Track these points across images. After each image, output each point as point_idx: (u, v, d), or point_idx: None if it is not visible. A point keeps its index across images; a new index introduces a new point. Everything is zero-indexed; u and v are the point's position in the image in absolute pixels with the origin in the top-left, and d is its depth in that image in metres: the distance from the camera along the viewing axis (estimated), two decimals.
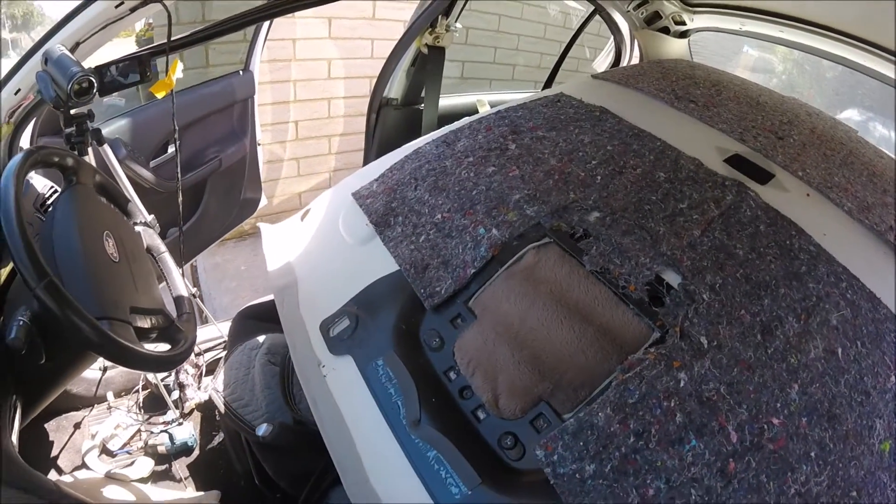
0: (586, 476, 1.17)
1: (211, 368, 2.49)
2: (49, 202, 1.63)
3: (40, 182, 1.65)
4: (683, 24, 3.44)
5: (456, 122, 2.22)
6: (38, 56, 1.62)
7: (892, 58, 2.55)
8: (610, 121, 2.10)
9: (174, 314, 1.51)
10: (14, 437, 1.20)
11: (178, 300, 1.59)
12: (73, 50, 1.69)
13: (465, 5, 2.69)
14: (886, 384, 1.34)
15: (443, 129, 2.21)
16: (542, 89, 3.80)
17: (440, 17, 2.67)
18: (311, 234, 1.95)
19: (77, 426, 2.21)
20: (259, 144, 3.36)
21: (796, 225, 1.67)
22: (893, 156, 2.38)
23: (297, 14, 3.75)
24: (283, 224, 2.09)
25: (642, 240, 1.58)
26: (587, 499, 1.15)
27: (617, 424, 1.23)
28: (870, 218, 1.73)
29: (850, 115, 4.69)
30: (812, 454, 1.20)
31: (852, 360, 1.35)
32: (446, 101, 3.24)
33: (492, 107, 2.50)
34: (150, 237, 1.68)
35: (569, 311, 1.45)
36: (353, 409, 1.41)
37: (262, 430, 1.80)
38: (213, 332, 2.64)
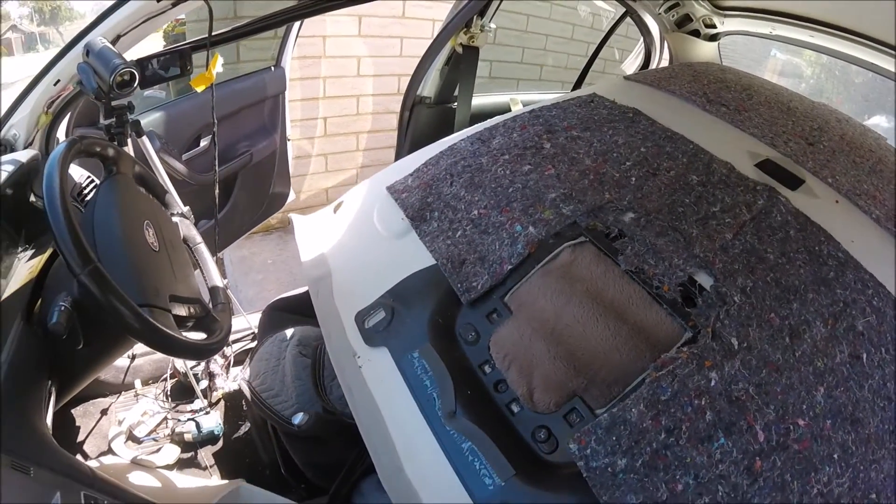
0: (618, 470, 1.19)
1: (240, 359, 2.52)
2: (86, 191, 1.67)
3: (76, 172, 1.69)
4: (714, 27, 3.42)
5: (489, 120, 2.23)
6: (79, 47, 1.65)
7: None
8: (643, 122, 2.11)
9: (209, 304, 1.54)
10: (48, 421, 1.22)
11: (213, 290, 1.62)
12: (114, 42, 1.72)
13: (499, 5, 2.69)
14: None
15: (477, 126, 2.22)
16: (572, 90, 3.80)
17: (475, 17, 2.67)
18: (345, 227, 1.97)
19: (104, 412, 2.25)
20: (289, 140, 3.40)
21: (825, 231, 1.69)
22: None
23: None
24: (315, 215, 2.11)
25: (676, 241, 1.60)
26: (618, 492, 1.16)
27: (649, 421, 1.25)
28: None
29: (878, 122, 4.63)
30: (835, 456, 1.22)
31: (876, 366, 1.37)
32: (477, 101, 3.25)
33: (524, 106, 2.49)
34: (187, 227, 1.71)
35: (604, 309, 1.48)
36: (388, 400, 1.43)
37: (299, 418, 1.83)
38: (241, 324, 2.67)
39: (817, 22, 2.92)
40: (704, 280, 1.51)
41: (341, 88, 4.33)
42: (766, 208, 1.74)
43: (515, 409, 1.37)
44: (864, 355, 1.38)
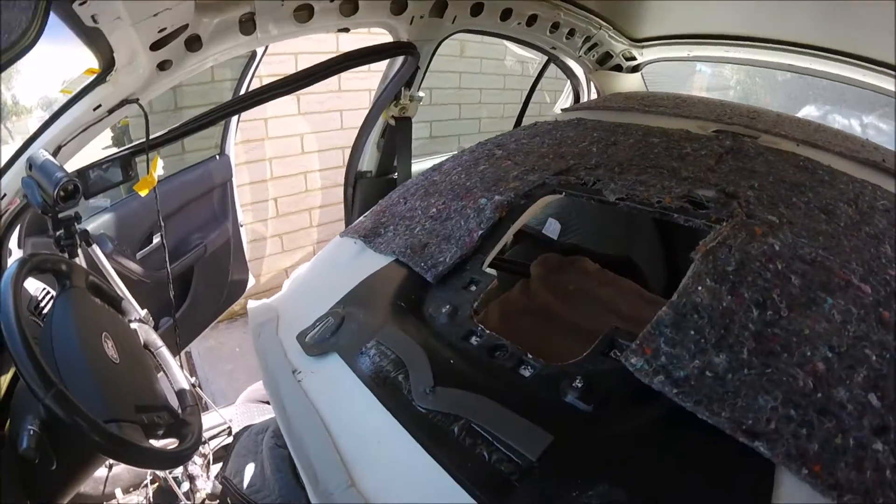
0: (720, 370, 0.92)
1: (219, 456, 2.45)
2: (42, 304, 1.64)
3: (32, 284, 1.66)
4: (634, 59, 3.61)
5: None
6: (22, 161, 1.66)
7: (837, 57, 2.76)
8: (589, 123, 2.12)
9: (178, 407, 1.50)
10: None
11: (180, 394, 1.57)
12: (55, 153, 1.72)
13: (424, 74, 2.76)
14: None
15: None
16: None
17: (403, 88, 2.73)
18: (295, 276, 1.85)
19: None
20: (241, 225, 3.39)
21: (802, 156, 1.64)
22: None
23: None
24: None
25: (659, 174, 1.49)
26: (738, 400, 0.87)
27: (728, 297, 1.02)
28: (862, 154, 1.75)
29: (808, 112, 4.88)
30: None
31: None
32: (419, 166, 3.30)
33: None
34: (146, 333, 1.68)
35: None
36: (335, 407, 1.18)
37: None
38: (215, 419, 2.60)
39: (730, 37, 3.10)
40: (706, 193, 1.36)
41: (288, 167, 4.37)
42: (736, 146, 1.70)
43: (526, 372, 1.07)
44: None
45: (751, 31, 3.02)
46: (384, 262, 1.50)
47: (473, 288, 1.28)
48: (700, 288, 1.03)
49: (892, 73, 2.61)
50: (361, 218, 1.88)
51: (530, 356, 1.08)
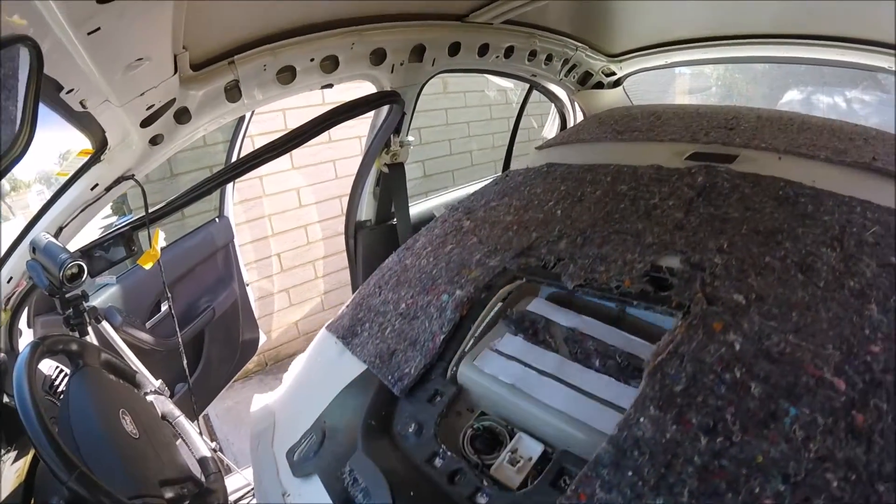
0: None
1: None
2: (57, 382, 1.66)
3: (46, 364, 1.68)
4: (613, 74, 3.68)
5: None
6: (25, 244, 1.70)
7: (808, 42, 2.81)
8: (559, 169, 2.10)
9: (201, 475, 1.51)
10: None
11: (202, 462, 1.57)
12: (57, 234, 1.76)
13: (412, 118, 2.80)
14: None
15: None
16: (503, 169, 3.96)
17: (392, 136, 2.77)
18: (290, 378, 1.87)
19: None
20: (247, 284, 3.42)
21: (782, 178, 1.56)
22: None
23: None
24: (273, 392, 2.00)
25: (623, 242, 1.46)
26: None
27: (673, 426, 0.94)
28: (849, 157, 1.67)
29: (791, 97, 4.91)
30: None
31: None
32: (417, 208, 3.35)
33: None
34: (163, 403, 1.69)
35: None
36: None
37: None
38: (239, 481, 2.60)
39: (703, 39, 3.16)
40: (670, 261, 1.32)
41: (287, 222, 4.42)
42: (709, 182, 1.62)
43: (482, 499, 1.08)
44: (893, 258, 1.18)
45: (721, 30, 3.07)
46: (360, 369, 1.52)
47: (438, 399, 1.30)
48: (643, 419, 0.97)
49: (861, 47, 2.66)
50: (343, 310, 1.92)
51: (486, 483, 1.09)
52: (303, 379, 1.79)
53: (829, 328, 1.02)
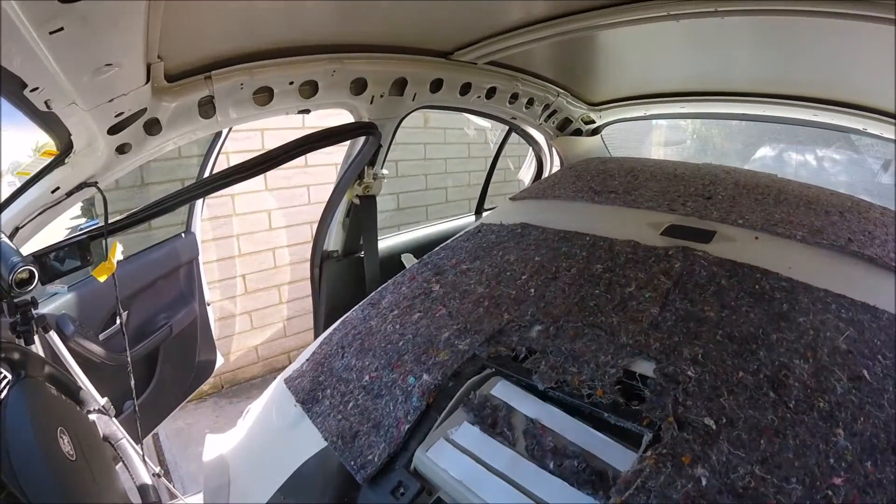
0: None
1: None
2: None
3: None
4: (593, 122, 3.76)
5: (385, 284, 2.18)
6: None
7: (784, 102, 2.89)
8: (533, 233, 2.08)
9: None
10: None
11: (142, 489, 1.51)
12: (12, 236, 1.70)
13: (388, 151, 2.79)
14: None
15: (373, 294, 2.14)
16: (475, 211, 3.98)
17: (366, 167, 2.76)
18: (247, 431, 1.78)
19: None
20: (209, 304, 3.34)
21: (758, 268, 1.58)
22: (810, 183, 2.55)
23: None
24: (227, 434, 1.91)
25: (596, 338, 1.44)
26: None
27: None
28: (825, 238, 1.70)
29: (765, 153, 5.06)
30: None
31: (883, 377, 1.19)
32: (386, 242, 3.33)
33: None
34: (106, 425, 1.62)
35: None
36: None
37: None
38: None
39: (683, 94, 3.24)
40: (644, 368, 1.32)
41: (256, 244, 4.36)
42: (686, 268, 1.63)
43: None
44: (865, 371, 1.20)
45: (700, 86, 3.17)
46: (319, 444, 1.46)
47: (402, 493, 1.24)
48: None
49: (836, 108, 2.76)
50: (303, 365, 1.84)
51: None
52: (259, 438, 1.71)
53: (795, 458, 1.03)
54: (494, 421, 1.30)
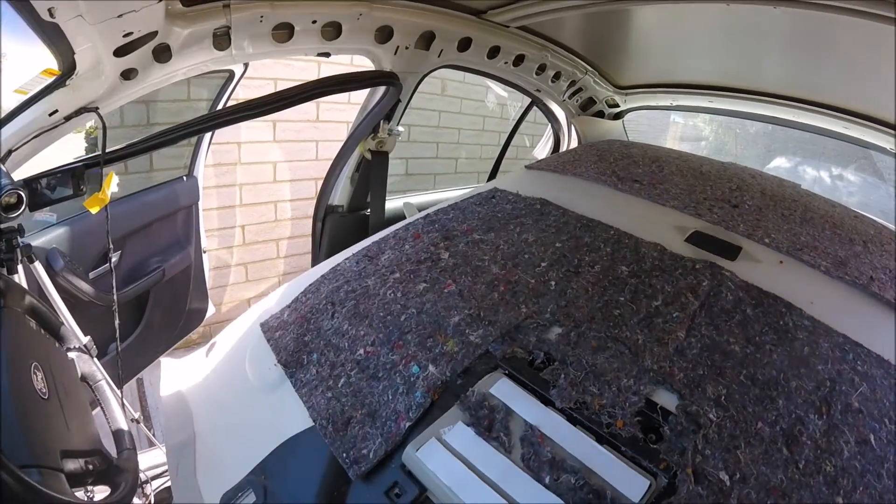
0: None
1: (161, 498, 2.26)
2: None
3: None
4: (617, 105, 3.64)
5: (381, 231, 2.06)
6: None
7: (816, 109, 2.80)
8: (553, 213, 1.98)
9: (114, 451, 1.35)
10: None
11: (117, 434, 1.41)
12: (4, 158, 1.60)
13: (405, 109, 2.69)
14: None
15: (364, 241, 2.00)
16: (488, 181, 3.86)
17: (382, 121, 2.65)
18: (215, 377, 1.66)
19: None
20: (204, 252, 3.26)
21: (783, 300, 1.56)
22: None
23: None
24: (187, 359, 1.81)
25: (619, 355, 1.36)
26: None
27: None
28: (848, 273, 1.68)
29: (779, 164, 5.01)
30: None
31: (886, 444, 1.18)
32: (392, 203, 3.21)
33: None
34: (86, 363, 1.52)
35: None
36: None
37: None
38: (160, 457, 2.42)
39: (714, 87, 3.13)
40: (666, 400, 1.26)
41: (258, 195, 4.26)
42: (714, 289, 1.58)
43: None
44: (872, 436, 1.19)
45: (730, 82, 3.06)
46: (305, 421, 1.35)
47: (397, 494, 1.16)
48: None
49: (864, 122, 2.68)
50: (283, 316, 1.71)
51: None
52: (231, 393, 1.58)
53: None
54: (491, 423, 1.21)
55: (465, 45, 2.48)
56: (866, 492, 1.08)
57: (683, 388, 1.26)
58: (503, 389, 1.29)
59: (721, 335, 1.42)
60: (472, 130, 5.69)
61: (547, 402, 1.26)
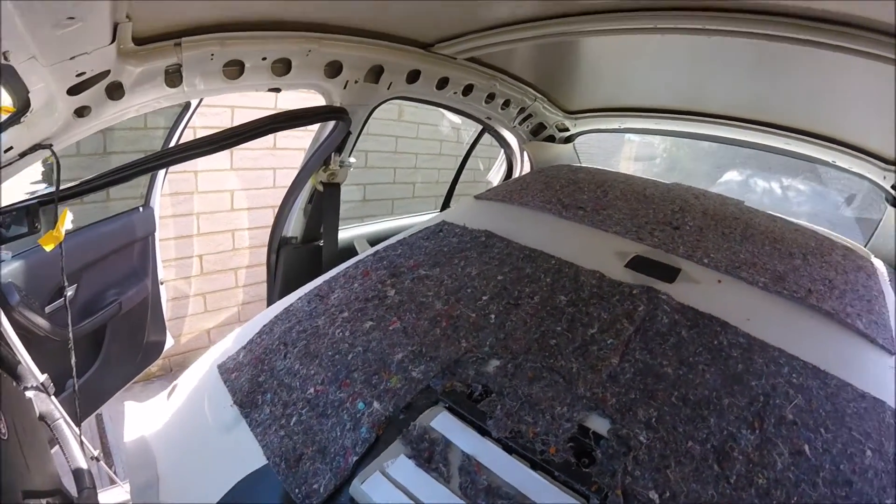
0: None
1: None
2: None
3: None
4: (567, 130, 3.77)
5: (333, 269, 2.12)
6: None
7: (758, 127, 2.96)
8: (497, 245, 2.05)
9: (74, 489, 1.36)
10: None
11: (76, 473, 1.42)
12: None
13: (357, 140, 2.74)
14: (864, 461, 1.24)
15: (317, 279, 2.08)
16: (441, 208, 3.94)
17: (333, 154, 2.70)
18: (176, 419, 1.69)
19: None
20: (162, 283, 3.24)
21: (718, 319, 1.62)
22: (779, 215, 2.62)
23: None
24: (149, 403, 1.85)
25: (554, 384, 1.43)
26: None
27: None
28: (786, 287, 1.75)
29: (731, 177, 5.18)
30: None
31: (822, 453, 1.24)
32: (348, 233, 3.27)
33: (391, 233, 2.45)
34: (43, 402, 1.53)
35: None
36: None
37: None
38: (120, 496, 2.39)
39: (660, 110, 3.26)
40: (598, 425, 1.32)
41: (216, 224, 4.24)
42: (650, 313, 1.65)
43: None
44: (806, 446, 1.24)
45: (677, 105, 3.21)
46: (260, 460, 1.40)
47: None
48: None
49: (807, 139, 2.85)
50: (239, 357, 1.76)
51: None
52: (191, 434, 1.62)
53: None
54: (431, 455, 1.27)
55: (413, 77, 2.56)
56: (801, 501, 1.13)
57: (615, 412, 1.33)
58: (443, 422, 1.35)
59: (654, 358, 1.49)
60: (428, 155, 5.77)
61: (484, 432, 1.33)
